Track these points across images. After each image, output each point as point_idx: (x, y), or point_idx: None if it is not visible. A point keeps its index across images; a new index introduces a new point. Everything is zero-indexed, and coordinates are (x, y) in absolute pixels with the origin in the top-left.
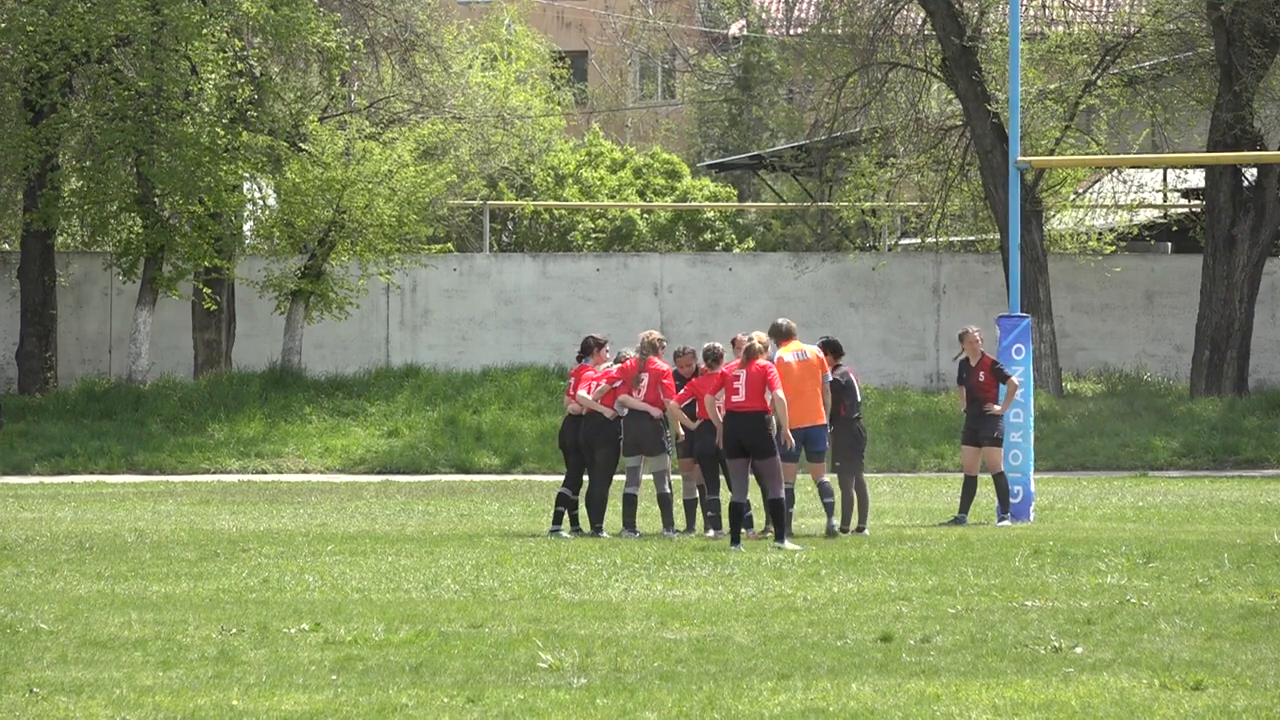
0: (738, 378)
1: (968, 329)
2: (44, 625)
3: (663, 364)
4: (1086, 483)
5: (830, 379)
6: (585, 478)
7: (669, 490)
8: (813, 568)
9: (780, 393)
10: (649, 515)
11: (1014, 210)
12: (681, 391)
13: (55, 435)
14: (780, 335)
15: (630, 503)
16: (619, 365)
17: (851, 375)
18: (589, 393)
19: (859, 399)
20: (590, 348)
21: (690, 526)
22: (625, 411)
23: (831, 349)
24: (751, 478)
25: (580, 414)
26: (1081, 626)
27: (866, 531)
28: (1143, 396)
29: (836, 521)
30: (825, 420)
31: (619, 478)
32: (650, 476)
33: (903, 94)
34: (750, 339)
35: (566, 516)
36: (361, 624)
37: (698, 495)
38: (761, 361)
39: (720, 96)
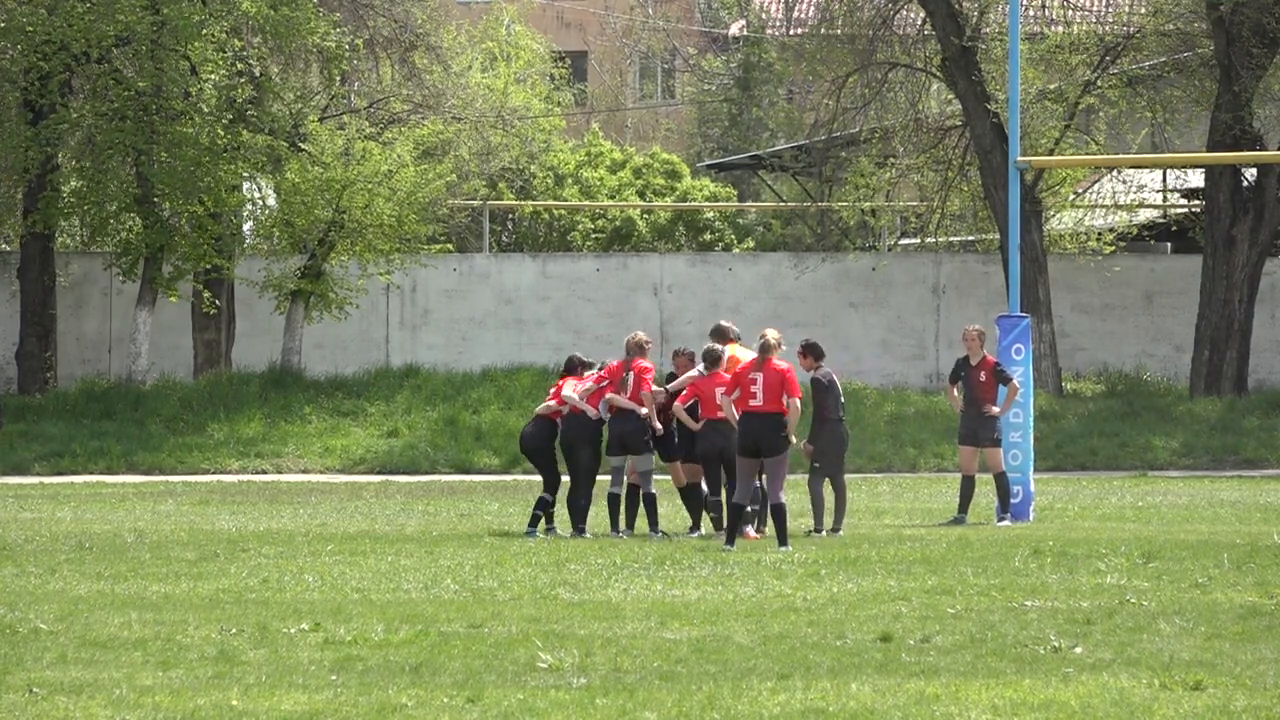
0: (754, 380)
1: (971, 327)
2: (44, 625)
3: (646, 362)
4: (1086, 483)
5: (811, 378)
6: (565, 479)
7: (654, 491)
8: (812, 568)
9: (798, 401)
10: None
11: (1014, 210)
12: (684, 393)
13: (55, 435)
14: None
15: (615, 503)
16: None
17: (833, 376)
18: (575, 393)
19: (841, 400)
20: (574, 367)
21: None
22: (607, 414)
23: (812, 351)
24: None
25: (546, 415)
26: (1081, 626)
27: (841, 532)
28: (1142, 396)
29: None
30: None
31: (602, 478)
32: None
33: (902, 94)
34: (764, 335)
35: (543, 518)
36: (361, 624)
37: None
38: (778, 362)
39: (720, 96)
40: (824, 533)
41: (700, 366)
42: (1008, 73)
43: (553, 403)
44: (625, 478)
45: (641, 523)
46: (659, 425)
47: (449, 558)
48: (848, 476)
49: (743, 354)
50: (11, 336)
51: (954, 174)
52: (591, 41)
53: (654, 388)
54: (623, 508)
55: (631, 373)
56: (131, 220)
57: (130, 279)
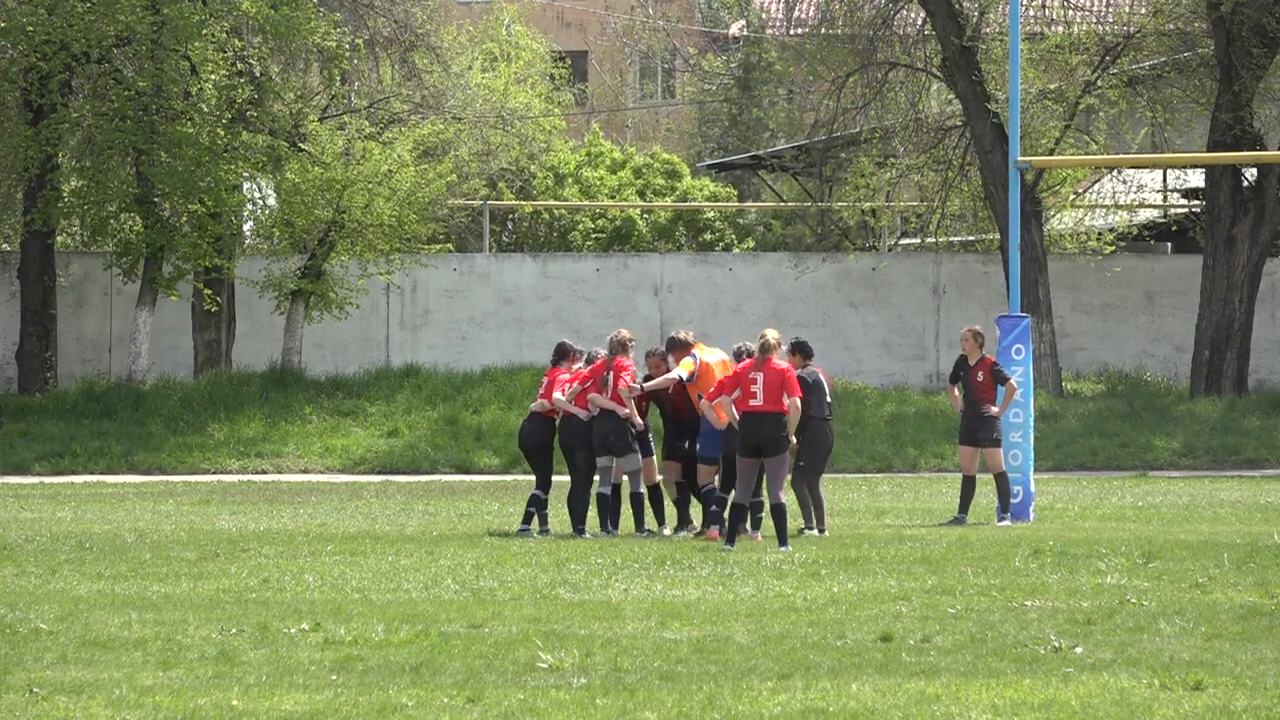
0: (754, 380)
1: (966, 328)
2: (44, 625)
3: (628, 361)
4: (1086, 483)
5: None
6: (557, 477)
7: (642, 490)
8: (812, 568)
9: (798, 400)
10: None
11: (1014, 210)
12: (712, 390)
13: (55, 435)
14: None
15: (604, 502)
16: (590, 366)
17: (820, 374)
18: (563, 394)
19: (828, 400)
20: (565, 353)
21: (662, 523)
22: (597, 411)
23: (801, 349)
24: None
25: (542, 413)
26: (1081, 626)
27: (825, 533)
28: (1143, 396)
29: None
30: None
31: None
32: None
33: (903, 94)
34: (764, 335)
35: (536, 516)
36: (361, 624)
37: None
38: (778, 362)
39: (720, 96)
40: (817, 531)
41: (680, 370)
42: (1008, 73)
43: (545, 402)
44: (613, 479)
45: (645, 521)
46: (640, 421)
47: (449, 558)
48: (843, 476)
49: (710, 355)
50: (11, 336)
51: (954, 174)
52: (591, 41)
53: (631, 384)
54: (622, 508)
55: (612, 371)
56: (131, 220)
57: (130, 279)
